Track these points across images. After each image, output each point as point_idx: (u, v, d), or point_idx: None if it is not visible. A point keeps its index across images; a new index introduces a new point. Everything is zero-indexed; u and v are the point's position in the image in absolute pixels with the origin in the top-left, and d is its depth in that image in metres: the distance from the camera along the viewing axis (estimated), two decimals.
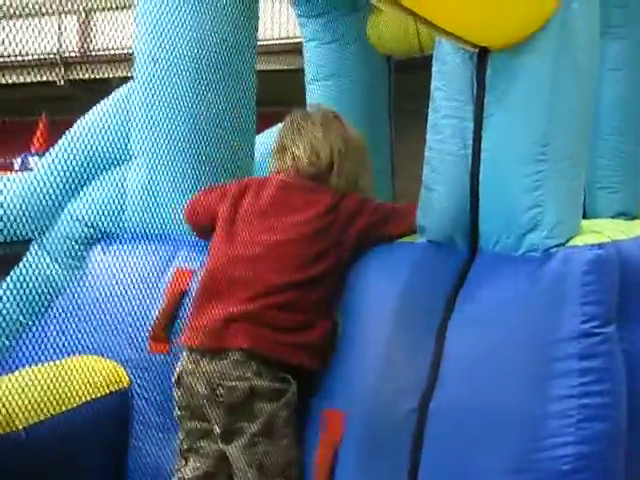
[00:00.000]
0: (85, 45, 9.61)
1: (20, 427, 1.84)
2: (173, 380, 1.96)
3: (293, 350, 1.89)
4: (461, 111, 1.84)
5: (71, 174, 2.38)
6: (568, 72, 1.79)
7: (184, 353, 1.95)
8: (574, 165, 1.84)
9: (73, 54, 9.30)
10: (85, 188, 2.41)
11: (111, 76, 9.06)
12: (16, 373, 1.95)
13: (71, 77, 9.24)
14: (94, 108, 2.52)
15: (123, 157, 2.40)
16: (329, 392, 1.91)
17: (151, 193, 2.32)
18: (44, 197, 2.42)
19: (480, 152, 1.81)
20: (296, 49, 3.18)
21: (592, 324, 1.69)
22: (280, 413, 1.86)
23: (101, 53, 9.14)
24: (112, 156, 2.40)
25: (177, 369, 1.95)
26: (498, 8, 1.65)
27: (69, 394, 2.01)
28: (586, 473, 1.63)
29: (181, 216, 2.24)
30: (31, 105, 8.59)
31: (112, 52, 8.49)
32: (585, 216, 2.47)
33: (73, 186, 2.39)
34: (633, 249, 1.99)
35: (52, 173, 2.38)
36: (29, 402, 1.88)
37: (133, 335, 2.15)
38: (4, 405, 1.81)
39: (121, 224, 2.39)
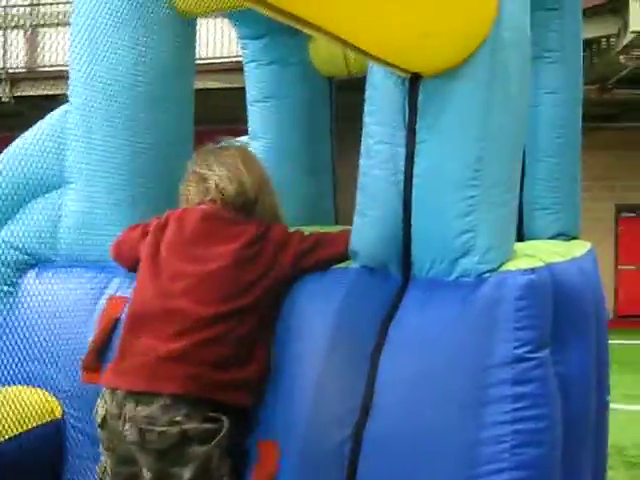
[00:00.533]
0: (32, 61, 9.47)
1: None
2: (97, 421, 1.89)
3: (228, 389, 1.83)
4: (393, 137, 1.83)
5: (3, 198, 2.32)
6: (500, 98, 1.80)
7: (105, 394, 1.86)
8: (507, 190, 1.85)
9: (19, 70, 9.16)
10: (18, 213, 2.35)
11: (59, 92, 8.97)
12: None
13: (17, 94, 9.09)
14: (28, 131, 2.46)
15: (58, 181, 2.33)
16: (263, 423, 1.88)
17: (87, 219, 2.27)
18: None
19: (412, 178, 1.80)
20: (239, 67, 3.16)
21: (525, 349, 1.69)
22: (214, 453, 1.80)
23: (48, 69, 9.03)
24: (47, 180, 2.33)
25: (99, 410, 1.87)
26: (428, 34, 1.66)
27: (1, 425, 1.96)
28: None
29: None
30: None
31: (59, 68, 8.41)
32: (524, 237, 2.51)
33: (5, 210, 2.33)
34: (568, 271, 2.01)
35: None
36: None
37: (66, 364, 2.10)
38: None
39: (55, 250, 2.32)
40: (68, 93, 2.37)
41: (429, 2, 1.55)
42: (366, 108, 1.91)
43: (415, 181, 1.80)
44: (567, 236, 2.60)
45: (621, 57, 8.03)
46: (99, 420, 1.87)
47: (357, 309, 1.85)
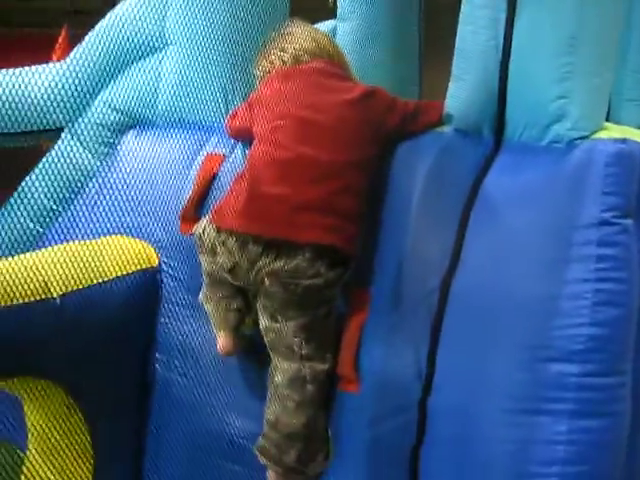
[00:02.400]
0: None
1: (55, 295, 1.92)
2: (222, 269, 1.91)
3: (353, 241, 1.87)
4: (494, 2, 1.86)
5: (104, 61, 2.40)
6: None
7: (229, 242, 1.85)
8: (602, 62, 1.86)
9: None
10: (119, 76, 2.44)
11: None
12: (49, 248, 2.04)
13: None
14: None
15: (158, 45, 2.41)
16: (358, 274, 1.96)
17: (185, 80, 2.35)
18: (77, 84, 2.44)
19: (511, 43, 1.84)
20: None
21: (612, 213, 1.74)
22: (337, 294, 1.90)
23: None
24: (147, 44, 2.41)
25: (222, 259, 1.88)
26: None
27: (101, 269, 2.09)
28: (598, 354, 1.70)
29: (214, 102, 2.29)
30: (53, 17, 8.52)
31: None
32: None
33: (107, 73, 2.41)
34: None
35: (85, 61, 2.41)
36: (63, 273, 1.95)
37: (163, 216, 2.22)
38: (40, 274, 1.89)
39: (154, 111, 2.41)
40: None
41: None
42: None
43: (514, 46, 1.84)
44: None
45: None
46: (226, 268, 1.89)
47: (449, 168, 1.93)
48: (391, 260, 1.93)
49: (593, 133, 1.84)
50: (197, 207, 2.18)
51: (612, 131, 1.88)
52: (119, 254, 2.17)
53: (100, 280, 2.09)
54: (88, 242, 2.15)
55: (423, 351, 1.82)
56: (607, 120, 2.44)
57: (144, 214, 2.26)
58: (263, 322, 1.91)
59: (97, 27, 2.54)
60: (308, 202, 1.80)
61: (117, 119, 2.44)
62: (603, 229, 1.74)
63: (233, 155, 2.22)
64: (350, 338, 1.92)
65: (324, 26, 2.92)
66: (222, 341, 2.03)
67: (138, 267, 2.20)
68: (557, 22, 1.80)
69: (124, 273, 2.16)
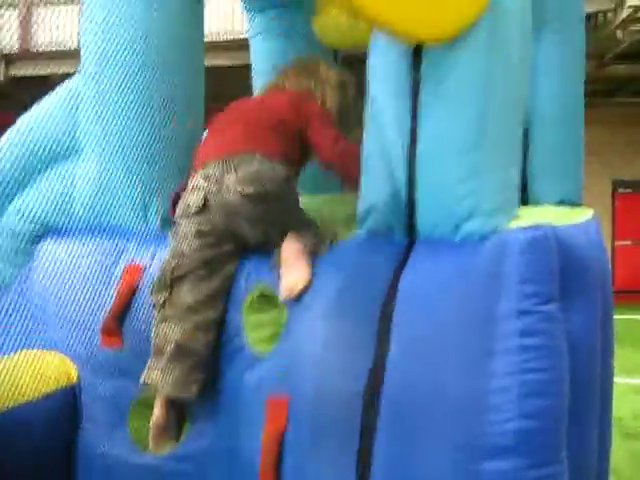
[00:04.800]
0: (26, 41, 9.43)
1: None
2: (194, 209, 2.05)
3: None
4: (397, 102, 1.88)
5: (14, 170, 2.36)
6: (501, 65, 1.85)
7: (198, 176, 2.09)
8: (508, 154, 1.90)
9: (14, 50, 9.11)
10: (31, 183, 2.39)
11: (52, 72, 8.91)
12: None
13: (12, 74, 9.04)
14: (39, 103, 2.50)
15: (71, 149, 2.39)
16: (272, 379, 1.94)
17: (101, 185, 2.32)
18: None
19: (416, 142, 1.86)
20: (239, 45, 3.19)
21: (531, 302, 1.74)
22: None
23: (42, 49, 8.99)
24: (59, 149, 2.39)
25: (193, 198, 2.07)
26: (433, 3, 1.70)
27: (17, 390, 2.01)
28: (528, 447, 1.68)
29: (132, 206, 2.28)
30: None
31: (53, 48, 8.36)
32: (527, 203, 2.55)
33: (17, 182, 2.37)
34: (572, 233, 2.03)
35: None
36: None
37: (82, 329, 2.15)
38: None
39: (70, 218, 2.38)
40: (69, 71, 2.40)
41: None
42: (370, 75, 1.96)
43: (419, 146, 1.86)
44: (570, 203, 2.63)
45: (618, 32, 7.98)
46: (199, 206, 2.06)
47: (364, 270, 1.92)
48: (309, 363, 1.89)
49: (506, 224, 1.85)
50: (118, 320, 2.12)
51: (524, 219, 1.91)
52: (36, 372, 2.09)
53: (16, 403, 2.00)
54: (3, 359, 2.06)
55: (352, 459, 1.76)
56: (523, 197, 2.51)
57: (62, 327, 2.19)
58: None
59: (6, 133, 2.50)
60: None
61: (31, 228, 2.38)
62: (524, 319, 1.73)
63: (153, 264, 2.18)
64: (268, 453, 1.86)
65: None
66: None
67: (57, 385, 2.12)
68: (461, 119, 1.83)
69: (42, 394, 2.07)
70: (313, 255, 2.03)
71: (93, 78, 2.33)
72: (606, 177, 12.72)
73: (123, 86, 2.29)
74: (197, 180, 2.10)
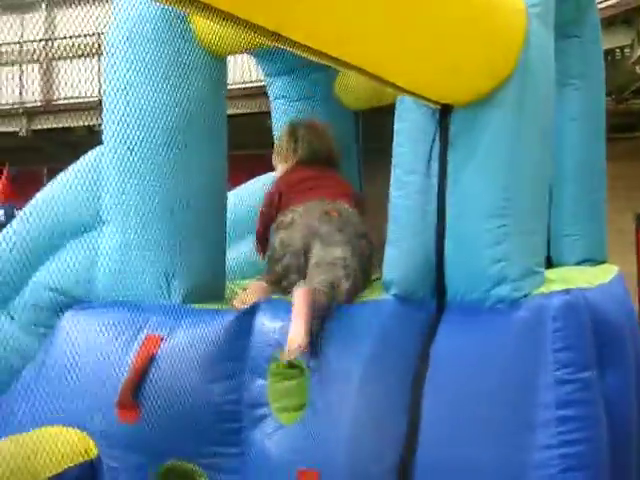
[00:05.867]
0: (48, 94, 9.57)
1: None
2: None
3: None
4: (424, 168, 1.85)
5: (39, 240, 2.32)
6: (529, 124, 1.82)
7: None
8: (537, 217, 1.86)
9: (36, 104, 9.24)
10: (54, 255, 2.35)
11: (74, 125, 9.00)
12: None
13: (34, 127, 9.15)
14: (62, 173, 2.47)
15: (93, 223, 2.34)
16: (303, 450, 1.87)
17: (124, 260, 2.26)
18: (11, 265, 2.34)
19: (445, 208, 1.82)
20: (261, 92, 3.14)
21: (566, 371, 1.69)
22: None
23: (64, 102, 9.11)
24: (82, 222, 2.34)
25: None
26: (459, 67, 1.67)
27: (37, 468, 1.95)
28: None
29: (154, 282, 2.22)
30: None
31: (75, 101, 8.47)
32: (551, 264, 2.49)
33: (41, 253, 2.33)
34: (599, 297, 2.00)
35: (19, 240, 2.32)
36: None
37: (101, 404, 2.09)
38: None
39: (91, 291, 2.32)
40: (90, 123, 2.36)
41: (459, 35, 1.56)
42: (395, 140, 1.92)
43: (447, 211, 1.82)
44: (594, 261, 2.57)
45: (637, 67, 8.00)
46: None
47: (393, 339, 1.86)
48: (338, 437, 1.82)
49: (535, 289, 1.80)
50: (134, 392, 2.06)
51: (554, 282, 1.85)
52: (54, 450, 2.02)
53: None
54: (22, 437, 2.01)
55: None
56: (547, 257, 2.45)
57: (82, 401, 2.13)
58: None
59: (30, 203, 2.47)
60: None
61: (53, 299, 2.33)
62: (561, 389, 1.68)
63: (173, 335, 2.12)
64: None
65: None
66: None
67: (75, 462, 2.05)
68: (490, 184, 1.80)
69: (61, 470, 2.01)
70: (321, 305, 1.94)
71: (115, 148, 2.28)
72: (629, 212, 12.56)
73: (145, 156, 2.23)
74: None
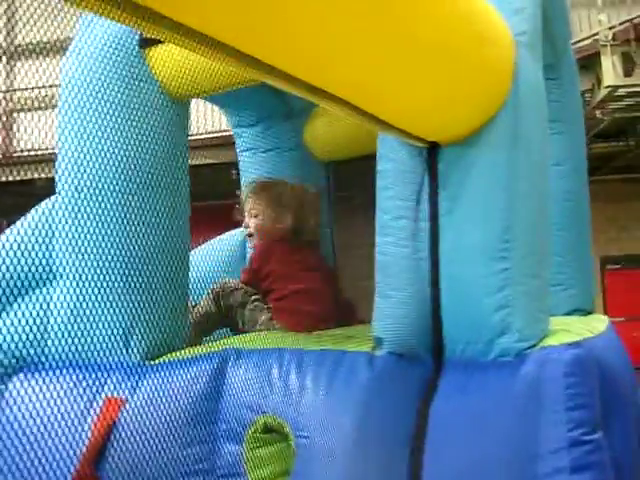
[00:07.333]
0: (7, 146, 9.35)
1: None
2: None
3: None
4: (413, 211, 1.70)
5: None
6: (523, 161, 1.69)
7: None
8: (539, 260, 1.71)
9: None
10: (2, 313, 2.16)
11: (35, 177, 8.77)
12: None
13: None
14: (12, 226, 2.29)
15: (44, 278, 2.15)
16: None
17: (78, 317, 2.07)
18: None
19: (438, 253, 1.66)
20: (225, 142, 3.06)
21: (581, 431, 1.53)
22: None
23: (25, 154, 8.89)
24: (33, 277, 2.15)
25: None
26: (447, 101, 1.54)
27: None
28: None
29: (112, 339, 2.02)
30: None
31: (36, 153, 8.28)
32: None
33: None
34: (600, 347, 1.87)
35: None
36: None
37: (59, 477, 1.88)
38: None
39: (43, 351, 2.12)
40: (51, 175, 2.21)
41: (446, 69, 1.44)
42: (379, 182, 1.78)
43: (441, 257, 1.66)
44: (582, 311, 2.44)
45: (597, 112, 8.11)
46: None
47: (389, 398, 1.68)
48: None
49: (541, 340, 1.65)
50: (94, 463, 1.85)
51: (560, 334, 1.70)
52: None
53: None
54: None
55: None
56: None
57: (36, 476, 1.91)
58: None
59: None
60: None
61: (2, 361, 2.12)
62: (574, 451, 1.51)
63: (135, 397, 1.92)
64: None
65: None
66: None
67: None
68: (486, 225, 1.65)
69: None
70: None
71: (68, 197, 2.10)
72: (594, 255, 12.61)
73: (100, 205, 2.06)
74: None
